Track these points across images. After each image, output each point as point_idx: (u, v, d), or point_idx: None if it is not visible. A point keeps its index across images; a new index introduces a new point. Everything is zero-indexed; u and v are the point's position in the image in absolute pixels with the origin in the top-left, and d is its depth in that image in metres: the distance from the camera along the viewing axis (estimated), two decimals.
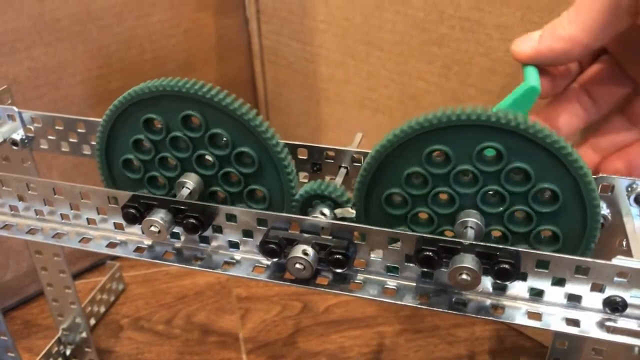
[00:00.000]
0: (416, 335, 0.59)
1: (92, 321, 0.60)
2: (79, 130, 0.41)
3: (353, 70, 0.61)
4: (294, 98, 0.70)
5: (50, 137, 0.42)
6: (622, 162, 0.37)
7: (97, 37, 0.59)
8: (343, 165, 0.37)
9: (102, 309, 0.62)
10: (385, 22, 0.55)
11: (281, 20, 0.66)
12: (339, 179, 0.36)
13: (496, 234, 0.32)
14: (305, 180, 0.38)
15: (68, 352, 0.56)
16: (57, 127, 0.41)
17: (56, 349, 0.55)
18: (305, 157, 0.37)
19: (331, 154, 0.37)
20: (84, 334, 0.56)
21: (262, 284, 0.64)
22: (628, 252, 0.30)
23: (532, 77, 0.34)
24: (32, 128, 0.42)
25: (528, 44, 0.35)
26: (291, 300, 0.63)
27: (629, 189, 0.33)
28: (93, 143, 0.41)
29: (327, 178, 0.37)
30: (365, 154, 0.36)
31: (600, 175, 0.33)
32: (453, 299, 0.30)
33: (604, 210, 0.33)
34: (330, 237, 0.31)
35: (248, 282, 0.64)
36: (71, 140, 0.41)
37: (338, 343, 0.58)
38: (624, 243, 0.32)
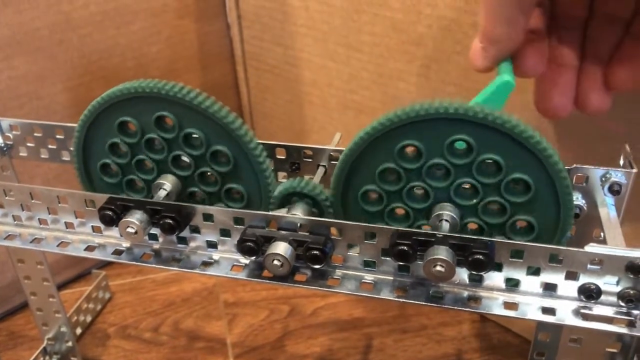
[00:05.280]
0: (404, 335, 0.59)
1: (79, 330, 0.60)
2: (58, 137, 0.41)
3: (335, 73, 0.61)
4: (278, 103, 0.71)
5: (29, 144, 0.42)
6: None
7: (78, 46, 0.59)
8: (321, 164, 0.37)
9: (89, 318, 0.62)
10: (364, 25, 0.56)
11: (262, 26, 0.66)
12: (317, 178, 0.36)
13: (472, 226, 0.32)
14: (284, 180, 0.38)
15: None
16: (35, 134, 0.41)
17: (42, 358, 0.55)
18: (283, 157, 0.38)
19: (309, 152, 0.37)
20: (69, 343, 0.56)
21: (249, 289, 0.63)
22: (604, 242, 0.30)
23: (505, 72, 0.34)
24: (11, 136, 0.42)
25: (481, 54, 0.34)
26: (279, 304, 0.63)
27: (603, 179, 0.33)
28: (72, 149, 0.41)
29: (306, 177, 0.37)
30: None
31: (574, 166, 0.33)
32: (430, 292, 0.30)
33: (579, 201, 0.33)
34: (307, 234, 0.31)
35: (235, 288, 0.63)
36: (50, 146, 0.41)
37: (326, 345, 0.58)
38: (602, 234, 0.33)
